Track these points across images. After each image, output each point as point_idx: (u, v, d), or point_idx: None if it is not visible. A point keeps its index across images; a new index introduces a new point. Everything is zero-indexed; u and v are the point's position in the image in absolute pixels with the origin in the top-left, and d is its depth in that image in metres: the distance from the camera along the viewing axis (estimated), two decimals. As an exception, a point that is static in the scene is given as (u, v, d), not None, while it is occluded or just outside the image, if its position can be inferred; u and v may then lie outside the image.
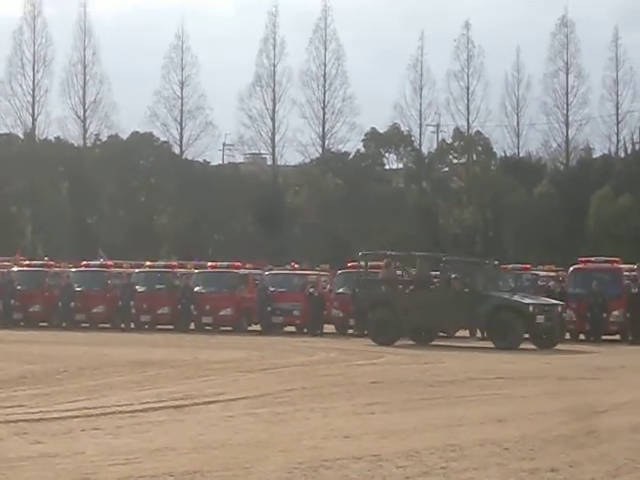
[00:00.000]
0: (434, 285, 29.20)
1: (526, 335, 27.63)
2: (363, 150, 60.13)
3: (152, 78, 61.75)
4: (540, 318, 27.20)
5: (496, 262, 30.94)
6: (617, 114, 58.39)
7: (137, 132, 60.34)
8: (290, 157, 62.15)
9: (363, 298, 29.85)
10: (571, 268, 34.19)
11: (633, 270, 32.74)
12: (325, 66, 60.49)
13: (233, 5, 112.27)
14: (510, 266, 35.65)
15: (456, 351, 27.31)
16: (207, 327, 35.74)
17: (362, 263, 31.26)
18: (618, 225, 48.86)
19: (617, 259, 33.65)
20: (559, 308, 28.36)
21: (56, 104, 60.95)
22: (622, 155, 57.15)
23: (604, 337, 31.36)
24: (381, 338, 28.56)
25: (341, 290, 35.35)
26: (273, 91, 60.40)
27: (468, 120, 59.58)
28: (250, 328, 36.13)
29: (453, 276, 28.81)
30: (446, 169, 60.50)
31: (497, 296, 27.73)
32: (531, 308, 27.17)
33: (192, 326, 35.84)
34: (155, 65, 62.71)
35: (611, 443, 11.34)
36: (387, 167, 61.06)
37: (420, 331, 29.29)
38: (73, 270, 38.01)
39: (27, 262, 40.01)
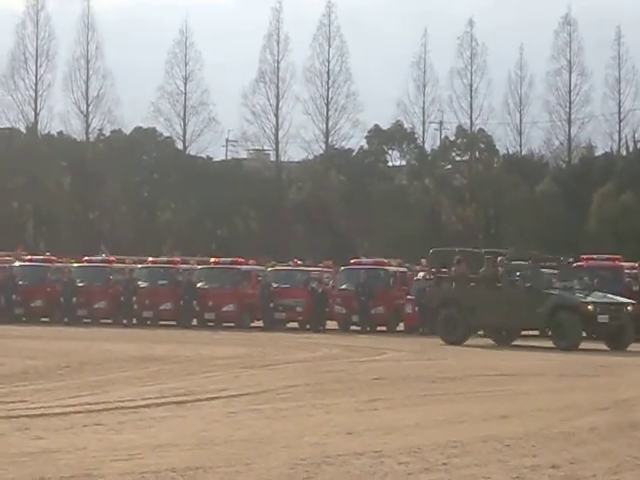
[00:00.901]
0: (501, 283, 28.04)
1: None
2: (366, 147, 60.13)
3: (155, 73, 61.73)
4: (603, 318, 26.07)
5: (570, 259, 29.84)
6: (619, 112, 58.41)
7: (140, 127, 60.33)
8: (293, 153, 62.22)
9: (433, 296, 29.37)
10: (572, 266, 34.21)
11: (634, 268, 32.74)
12: (329, 63, 60.51)
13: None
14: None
15: (458, 348, 27.31)
16: (209, 323, 35.76)
17: (432, 260, 30.55)
18: (620, 223, 48.85)
19: (618, 257, 33.66)
20: (628, 307, 27.05)
21: (59, 99, 61.02)
22: (624, 153, 57.17)
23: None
24: (450, 337, 27.92)
25: (344, 286, 35.37)
26: (277, 87, 60.41)
27: (471, 118, 59.59)
28: (253, 324, 36.13)
29: (518, 274, 27.74)
30: (449, 166, 60.49)
31: (557, 295, 26.77)
32: (591, 307, 26.09)
33: (194, 322, 35.86)
34: (159, 60, 62.74)
35: (613, 440, 11.35)
36: (390, 164, 61.08)
37: (499, 330, 28.57)
38: (75, 265, 38.04)
39: (29, 257, 40.03)
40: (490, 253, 29.50)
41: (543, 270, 28.42)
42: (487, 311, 27.35)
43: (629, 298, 30.14)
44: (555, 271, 28.70)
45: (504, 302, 26.96)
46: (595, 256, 33.69)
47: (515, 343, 28.32)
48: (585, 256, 33.98)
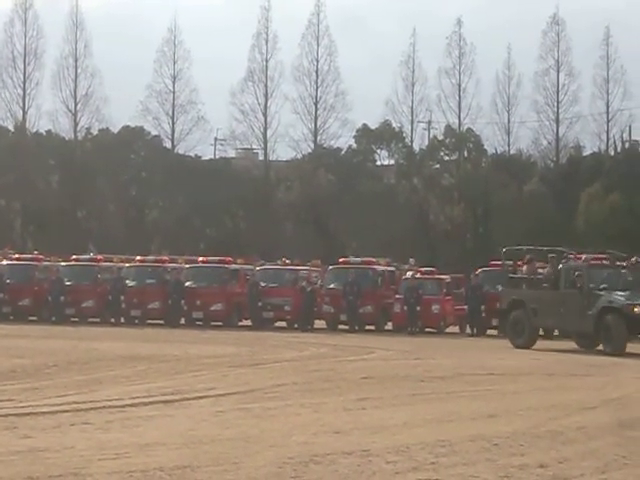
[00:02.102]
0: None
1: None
2: (355, 146, 60.12)
3: (144, 72, 61.64)
4: None
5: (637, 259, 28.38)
6: (607, 112, 58.47)
7: (128, 126, 60.22)
8: (282, 152, 62.17)
9: (503, 297, 28.51)
10: (560, 265, 34.29)
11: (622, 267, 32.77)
12: (317, 62, 60.45)
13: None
14: (500, 262, 35.73)
15: (447, 347, 27.35)
16: (198, 322, 35.71)
17: (506, 260, 29.51)
18: (607, 223, 48.92)
19: (606, 256, 33.69)
20: None
21: (47, 97, 60.81)
22: (612, 153, 57.23)
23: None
24: (517, 341, 27.12)
25: (332, 285, 35.39)
26: (265, 86, 60.34)
27: (459, 117, 59.62)
28: (241, 323, 36.11)
29: (576, 274, 26.45)
30: (437, 166, 60.51)
31: (605, 296, 25.40)
32: (638, 309, 24.73)
33: (183, 321, 35.81)
34: (147, 58, 62.64)
35: (601, 439, 11.37)
36: (378, 163, 61.07)
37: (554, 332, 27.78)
38: (63, 264, 37.93)
39: (17, 256, 39.91)
40: (555, 252, 28.44)
41: (608, 270, 27.12)
42: (546, 313, 26.57)
43: None
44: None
45: (561, 304, 26.16)
46: (583, 256, 33.70)
47: (505, 341, 28.28)
48: (570, 256, 34.03)
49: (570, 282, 26.34)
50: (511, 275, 28.72)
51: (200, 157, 61.13)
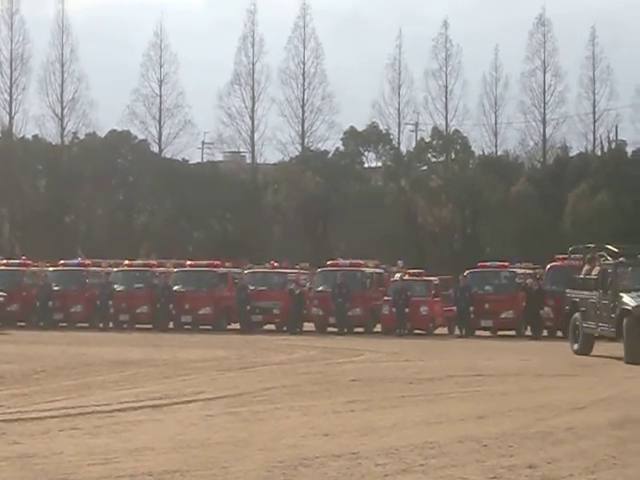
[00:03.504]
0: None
1: None
2: (342, 148, 60.13)
3: (131, 76, 61.49)
4: None
5: None
6: (594, 112, 58.59)
7: (115, 130, 60.11)
8: (269, 155, 62.11)
9: (567, 299, 26.46)
10: (548, 265, 34.36)
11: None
12: (304, 64, 60.46)
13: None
14: (488, 264, 35.83)
15: (435, 349, 27.36)
16: (186, 326, 35.67)
17: (573, 259, 27.71)
18: (594, 223, 49.00)
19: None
20: None
21: (34, 102, 60.63)
22: (599, 153, 57.34)
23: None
24: (574, 346, 25.20)
25: (321, 288, 35.38)
26: (252, 89, 60.31)
27: (446, 119, 59.66)
28: (229, 327, 36.08)
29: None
30: (425, 167, 60.53)
31: (626, 299, 22.88)
32: None
33: (171, 325, 35.77)
34: (134, 62, 62.54)
35: (590, 439, 11.39)
36: (366, 165, 61.08)
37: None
38: (51, 269, 37.85)
39: (4, 261, 39.78)
40: (606, 250, 25.42)
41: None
42: (589, 317, 24.62)
43: None
44: None
45: (596, 307, 24.18)
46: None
47: (494, 342, 28.31)
48: (560, 256, 34.13)
49: (602, 283, 24.13)
50: (574, 276, 26.48)
51: (187, 161, 61.09)
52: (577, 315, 25.23)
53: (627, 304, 22.62)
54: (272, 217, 58.13)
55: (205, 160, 63.34)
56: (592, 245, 27.18)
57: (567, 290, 26.68)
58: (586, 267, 25.94)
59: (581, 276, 25.87)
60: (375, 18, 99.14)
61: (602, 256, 25.25)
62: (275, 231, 57.95)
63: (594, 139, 58.40)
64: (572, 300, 25.83)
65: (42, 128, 60.45)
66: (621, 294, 23.05)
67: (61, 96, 60.53)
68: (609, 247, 25.39)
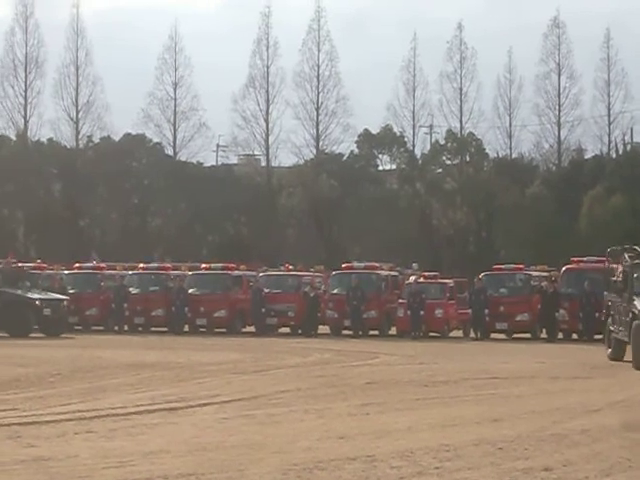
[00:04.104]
0: None
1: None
2: (357, 151, 60.09)
3: (145, 79, 61.63)
4: None
5: None
6: (609, 115, 58.45)
7: (130, 133, 60.23)
8: (284, 158, 62.15)
9: (604, 302, 25.57)
10: (563, 268, 34.28)
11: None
12: (319, 67, 60.44)
13: (226, 2, 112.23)
14: (503, 266, 35.78)
15: (450, 351, 27.32)
16: (201, 329, 35.73)
17: (610, 261, 25.90)
18: (610, 225, 48.87)
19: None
20: None
21: (48, 105, 60.79)
22: (614, 156, 57.19)
23: (597, 336, 31.35)
24: (608, 351, 23.84)
25: (336, 291, 35.39)
26: (267, 92, 60.34)
27: (461, 121, 59.58)
28: (244, 330, 36.11)
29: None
30: (439, 170, 60.47)
31: (636, 304, 21.65)
32: None
33: (186, 328, 35.81)
34: (148, 66, 62.68)
35: (605, 442, 11.35)
36: (380, 168, 61.02)
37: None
38: (66, 272, 37.91)
39: (19, 264, 39.82)
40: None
41: None
42: (615, 320, 23.63)
43: None
44: None
45: (619, 310, 23.22)
46: (585, 258, 33.75)
47: (509, 345, 28.24)
48: (576, 258, 34.06)
49: (624, 285, 22.97)
50: (610, 278, 24.89)
51: (202, 164, 61.15)
52: (610, 319, 24.28)
53: (636, 307, 21.59)
54: (287, 220, 58.16)
55: (220, 163, 63.43)
56: (628, 246, 25.09)
57: (605, 293, 25.64)
58: (620, 269, 24.23)
59: (614, 278, 24.55)
60: (390, 21, 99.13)
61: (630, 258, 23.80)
62: (290, 234, 57.98)
63: (609, 141, 58.27)
64: (607, 304, 24.84)
65: (57, 131, 60.65)
66: (634, 297, 22.00)
67: (76, 99, 60.69)
68: (636, 248, 23.99)
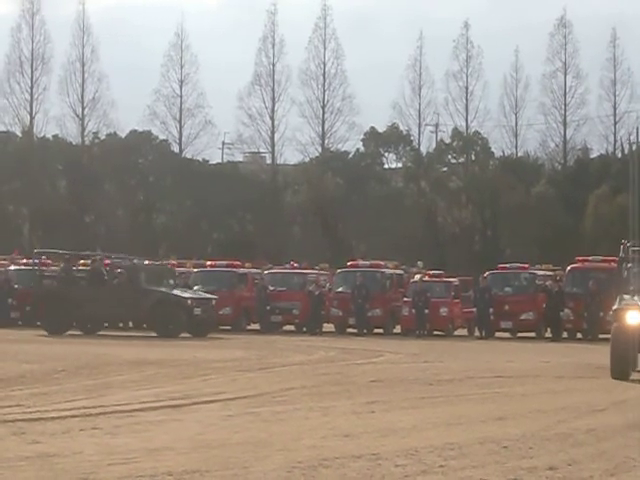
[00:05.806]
0: None
1: None
2: (362, 149, 60.14)
3: (151, 76, 61.75)
4: None
5: None
6: (615, 114, 58.46)
7: (136, 130, 60.33)
8: (290, 156, 62.24)
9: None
10: (568, 267, 34.26)
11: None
12: (324, 65, 60.54)
13: (232, 0, 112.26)
14: (508, 265, 35.77)
15: (455, 350, 27.31)
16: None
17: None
18: (615, 224, 48.84)
19: (614, 258, 33.59)
20: None
21: (54, 102, 60.94)
22: (619, 155, 57.20)
23: (601, 336, 31.32)
24: None
25: (340, 289, 35.39)
26: (272, 90, 60.43)
27: (467, 120, 59.64)
28: (249, 327, 36.11)
29: None
30: (445, 169, 60.51)
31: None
32: None
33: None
34: (154, 63, 62.77)
35: (610, 441, 11.34)
36: (386, 166, 61.09)
37: None
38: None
39: (24, 261, 39.88)
40: None
41: None
42: None
43: None
44: None
45: None
46: (590, 257, 33.73)
47: (513, 344, 28.25)
48: (581, 257, 34.05)
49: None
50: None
51: (208, 161, 61.24)
52: None
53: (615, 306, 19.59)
54: (292, 218, 58.19)
55: (225, 160, 63.50)
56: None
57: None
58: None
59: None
60: (396, 19, 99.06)
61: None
62: (295, 232, 58.03)
63: (615, 141, 58.34)
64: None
65: (63, 128, 60.81)
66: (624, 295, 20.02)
67: (82, 96, 60.82)
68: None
